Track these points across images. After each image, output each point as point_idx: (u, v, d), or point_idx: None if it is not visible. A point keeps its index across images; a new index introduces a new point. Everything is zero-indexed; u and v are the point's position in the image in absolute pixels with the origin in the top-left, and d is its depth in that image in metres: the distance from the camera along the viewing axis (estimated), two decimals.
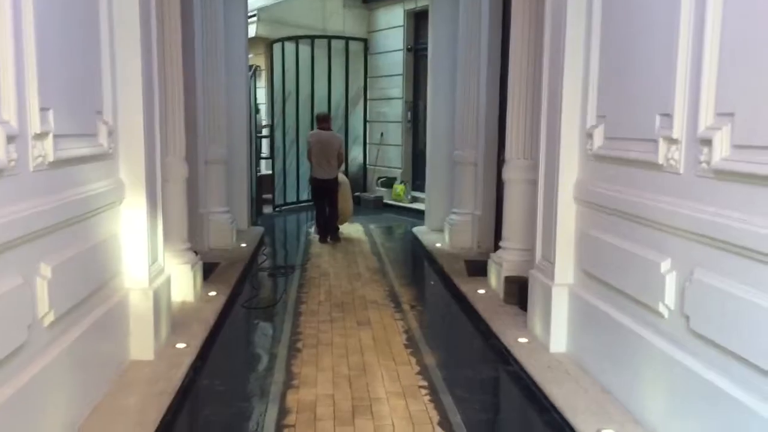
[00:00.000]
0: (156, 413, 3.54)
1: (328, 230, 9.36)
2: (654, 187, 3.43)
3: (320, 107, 13.17)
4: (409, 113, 13.18)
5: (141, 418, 3.47)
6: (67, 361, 3.23)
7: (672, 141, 3.24)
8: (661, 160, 3.33)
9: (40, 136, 2.99)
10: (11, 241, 2.71)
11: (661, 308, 3.29)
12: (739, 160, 2.76)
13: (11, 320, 2.71)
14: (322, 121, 9.47)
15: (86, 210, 3.55)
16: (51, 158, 3.10)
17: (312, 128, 10.03)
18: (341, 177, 9.71)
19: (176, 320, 4.94)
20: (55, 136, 3.13)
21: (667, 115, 3.26)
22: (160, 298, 4.44)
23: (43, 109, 3.00)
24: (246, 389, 4.17)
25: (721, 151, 2.88)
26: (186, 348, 4.52)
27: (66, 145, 3.28)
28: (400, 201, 12.81)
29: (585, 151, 4.28)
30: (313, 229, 9.87)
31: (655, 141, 3.37)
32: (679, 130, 3.19)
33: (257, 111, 11.74)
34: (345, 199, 9.73)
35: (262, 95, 13.70)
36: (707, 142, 2.94)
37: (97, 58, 3.80)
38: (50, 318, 3.07)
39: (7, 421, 2.63)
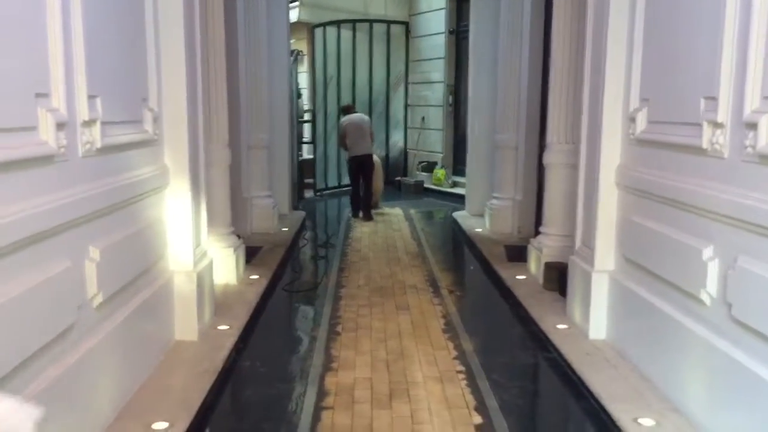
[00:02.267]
0: (199, 393, 3.65)
1: (363, 207, 9.98)
2: (698, 172, 3.36)
3: (361, 91, 13.26)
4: (450, 97, 13.10)
5: (185, 397, 3.59)
6: (115, 340, 3.35)
7: (717, 125, 3.16)
8: (705, 145, 3.26)
9: (89, 123, 3.09)
10: (61, 225, 2.81)
11: (703, 295, 3.24)
12: None
13: (61, 301, 2.83)
14: (349, 109, 10.49)
15: (133, 195, 3.65)
16: (99, 144, 3.20)
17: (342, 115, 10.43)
18: (375, 157, 10.37)
19: (219, 302, 5.06)
20: (103, 123, 3.22)
21: (712, 98, 3.18)
22: (203, 281, 4.55)
23: (91, 97, 3.09)
24: (286, 371, 4.26)
25: (767, 136, 2.80)
26: (229, 330, 4.63)
27: (113, 132, 3.37)
28: (440, 186, 12.79)
29: (627, 135, 4.21)
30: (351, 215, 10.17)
31: (700, 125, 3.29)
32: (724, 113, 3.11)
33: (299, 96, 11.84)
34: (377, 177, 10.52)
35: (303, 80, 13.79)
36: (753, 125, 2.87)
37: (143, 46, 3.89)
38: (99, 299, 3.19)
39: (57, 397, 2.75)
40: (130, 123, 3.70)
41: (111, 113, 3.33)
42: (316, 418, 3.57)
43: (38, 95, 2.66)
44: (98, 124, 3.18)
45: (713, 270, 3.16)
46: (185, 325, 4.38)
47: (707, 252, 3.21)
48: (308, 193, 12.12)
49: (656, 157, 3.84)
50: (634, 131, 4.11)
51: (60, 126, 2.80)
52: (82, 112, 3.02)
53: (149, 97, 3.97)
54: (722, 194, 3.10)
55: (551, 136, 6.06)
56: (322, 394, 3.87)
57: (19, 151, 2.52)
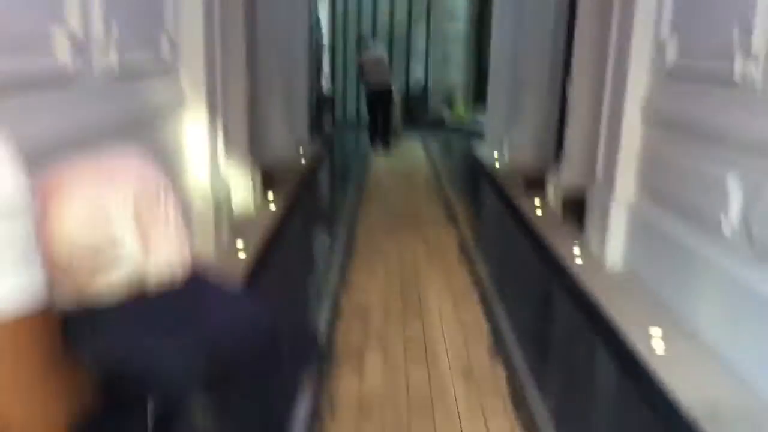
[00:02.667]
0: None
1: (382, 139, 9.98)
2: (727, 104, 3.28)
3: (382, 24, 12.97)
4: (473, 31, 12.80)
5: None
6: None
7: (750, 56, 3.06)
8: (737, 77, 3.17)
9: (105, 46, 3.06)
10: (79, 146, 2.81)
11: (726, 226, 3.20)
12: None
13: None
14: (365, 43, 10.55)
15: (150, 118, 3.65)
16: (115, 68, 3.18)
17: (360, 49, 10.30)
18: (394, 90, 10.41)
19: (236, 227, 5.10)
20: (120, 47, 3.19)
21: (746, 29, 3.07)
22: (221, 205, 4.59)
23: (108, 20, 3.05)
24: (302, 292, 4.33)
25: None
26: (245, 253, 4.67)
27: (130, 56, 3.34)
28: (460, 119, 12.65)
29: (656, 67, 4.10)
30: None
31: (732, 56, 3.19)
32: (758, 44, 3.01)
33: (318, 24, 11.64)
34: (396, 110, 10.60)
35: (323, 11, 13.51)
36: None
37: None
38: None
39: None
40: (147, 48, 3.67)
41: (128, 37, 3.29)
42: (330, 336, 3.64)
43: (54, 18, 2.63)
44: (115, 47, 3.14)
45: (737, 200, 3.12)
46: (202, 248, 4.42)
47: (732, 183, 3.16)
48: (327, 125, 12.05)
49: (685, 89, 3.74)
50: (663, 62, 3.99)
51: (76, 48, 2.77)
52: (98, 35, 2.99)
53: (166, 22, 3.93)
54: (751, 126, 3.02)
55: (575, 68, 5.93)
56: (337, 313, 3.93)
57: (36, 72, 2.51)
